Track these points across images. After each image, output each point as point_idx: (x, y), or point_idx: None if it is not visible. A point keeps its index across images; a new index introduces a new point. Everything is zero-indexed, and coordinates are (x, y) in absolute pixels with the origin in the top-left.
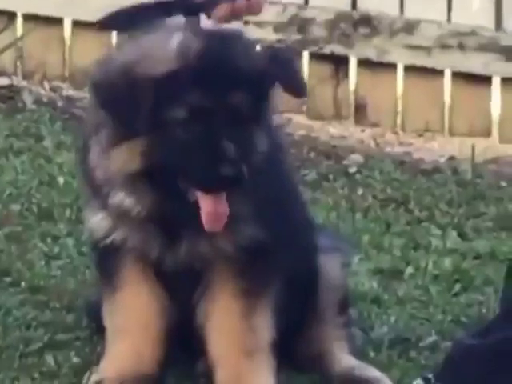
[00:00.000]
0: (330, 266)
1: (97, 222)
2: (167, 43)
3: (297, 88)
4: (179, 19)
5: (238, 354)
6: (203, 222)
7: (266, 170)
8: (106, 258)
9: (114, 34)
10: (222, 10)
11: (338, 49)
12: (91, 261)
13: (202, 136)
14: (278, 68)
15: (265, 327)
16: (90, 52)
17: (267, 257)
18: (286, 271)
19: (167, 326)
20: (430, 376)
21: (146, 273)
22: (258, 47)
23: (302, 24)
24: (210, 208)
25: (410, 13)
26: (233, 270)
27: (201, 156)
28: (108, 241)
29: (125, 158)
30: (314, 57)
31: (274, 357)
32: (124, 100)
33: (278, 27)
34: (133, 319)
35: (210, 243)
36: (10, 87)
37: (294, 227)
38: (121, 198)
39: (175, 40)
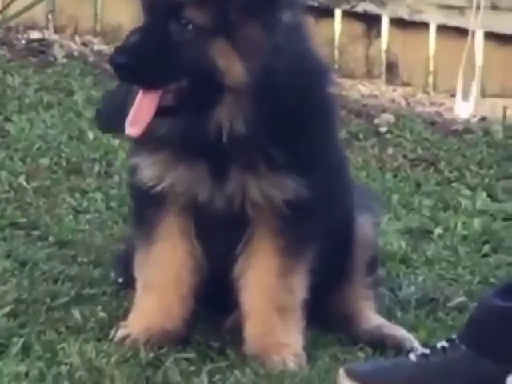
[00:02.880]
0: (361, 225)
1: (147, 167)
2: None
3: None
4: None
5: (270, 311)
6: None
7: (313, 128)
8: (148, 209)
9: None
10: None
11: (371, 7)
12: (129, 211)
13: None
14: None
15: (299, 287)
16: (121, 8)
17: (309, 216)
18: (325, 232)
19: (199, 284)
20: (454, 337)
21: (186, 227)
22: None
23: None
24: (134, 107)
25: None
26: (274, 227)
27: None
28: (158, 188)
29: None
30: (347, 15)
31: (304, 316)
32: None
33: None
34: (166, 275)
35: (257, 183)
36: (41, 41)
37: (337, 188)
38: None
39: None
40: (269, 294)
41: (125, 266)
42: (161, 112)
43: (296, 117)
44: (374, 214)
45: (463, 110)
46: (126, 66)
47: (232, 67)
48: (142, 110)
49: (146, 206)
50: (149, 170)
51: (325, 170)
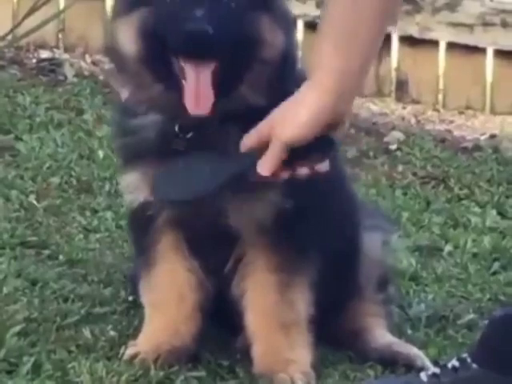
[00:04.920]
0: (370, 243)
1: (126, 184)
2: None
3: None
4: None
5: (274, 329)
6: (186, 105)
7: None
8: (141, 234)
9: None
10: None
11: None
12: (129, 237)
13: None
14: None
15: (301, 302)
16: None
17: (306, 229)
18: (328, 246)
19: (204, 300)
20: (465, 355)
21: (180, 246)
22: None
23: None
24: (192, 85)
25: None
26: (266, 240)
27: (176, 20)
28: (135, 204)
29: (124, 35)
30: None
31: (311, 332)
32: None
33: (321, 3)
34: (169, 294)
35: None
36: (52, 60)
37: (338, 202)
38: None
39: None
40: (269, 310)
41: (135, 285)
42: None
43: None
44: (384, 232)
45: None
46: (207, 36)
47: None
48: (201, 87)
49: (138, 230)
50: (127, 185)
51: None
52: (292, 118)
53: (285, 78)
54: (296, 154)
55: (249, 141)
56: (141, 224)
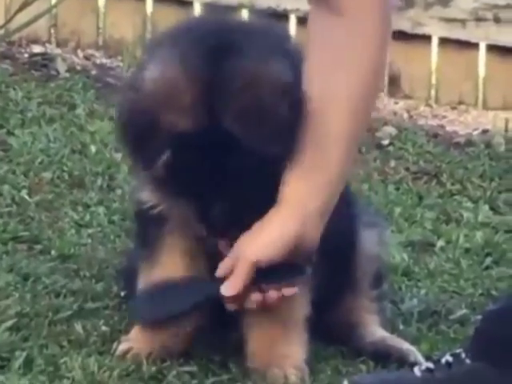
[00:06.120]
0: (366, 240)
1: (146, 189)
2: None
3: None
4: None
5: (272, 325)
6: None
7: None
8: (149, 231)
9: (149, 2)
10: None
11: None
12: (133, 233)
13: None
14: None
15: (301, 301)
16: (123, 20)
17: None
18: (326, 243)
19: None
20: (459, 351)
21: (188, 247)
22: None
23: None
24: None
25: None
26: None
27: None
28: (155, 211)
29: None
30: None
31: (306, 328)
32: (143, 144)
33: None
34: None
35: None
36: (44, 55)
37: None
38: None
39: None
40: (268, 308)
41: (127, 280)
42: None
43: None
44: (380, 229)
45: None
46: None
47: None
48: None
49: (146, 227)
50: (148, 191)
51: None
52: (258, 238)
53: None
54: (264, 277)
55: (223, 268)
56: (150, 219)
